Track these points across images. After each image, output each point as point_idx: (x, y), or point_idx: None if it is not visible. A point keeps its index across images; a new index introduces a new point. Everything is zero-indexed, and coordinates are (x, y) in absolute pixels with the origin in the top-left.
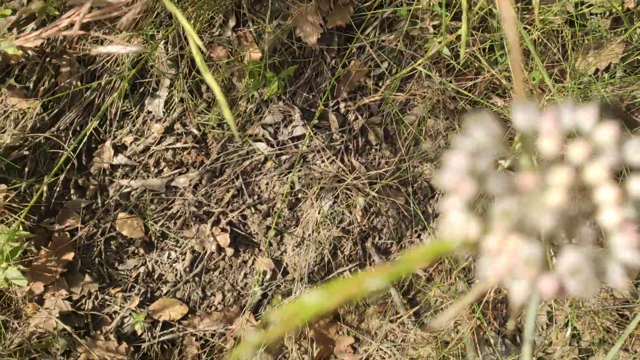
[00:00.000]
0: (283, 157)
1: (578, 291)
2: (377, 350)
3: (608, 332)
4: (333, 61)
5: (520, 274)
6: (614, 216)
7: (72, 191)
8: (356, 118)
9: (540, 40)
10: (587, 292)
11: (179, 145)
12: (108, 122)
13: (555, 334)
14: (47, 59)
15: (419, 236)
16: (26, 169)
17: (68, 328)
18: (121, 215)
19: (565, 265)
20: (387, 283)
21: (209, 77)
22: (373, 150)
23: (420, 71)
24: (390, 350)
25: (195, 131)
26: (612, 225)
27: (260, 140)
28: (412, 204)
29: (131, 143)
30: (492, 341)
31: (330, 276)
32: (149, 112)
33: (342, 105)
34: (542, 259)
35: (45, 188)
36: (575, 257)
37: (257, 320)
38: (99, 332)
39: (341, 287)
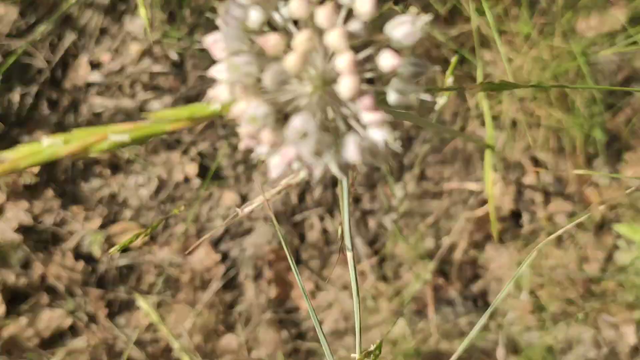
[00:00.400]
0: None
1: (306, 157)
2: (336, 299)
3: (571, 304)
4: None
5: (259, 138)
6: (349, 84)
7: (44, 105)
8: None
9: None
10: (312, 161)
11: (156, 69)
12: (86, 38)
13: (521, 303)
14: None
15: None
16: None
17: (23, 240)
18: None
19: (293, 129)
20: (133, 140)
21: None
22: None
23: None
24: (349, 299)
25: (174, 56)
26: (349, 94)
27: None
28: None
29: (108, 62)
30: (453, 299)
31: (294, 217)
32: (129, 32)
33: None
34: (270, 120)
35: (17, 97)
36: (303, 121)
37: (216, 253)
38: (57, 248)
39: (82, 135)
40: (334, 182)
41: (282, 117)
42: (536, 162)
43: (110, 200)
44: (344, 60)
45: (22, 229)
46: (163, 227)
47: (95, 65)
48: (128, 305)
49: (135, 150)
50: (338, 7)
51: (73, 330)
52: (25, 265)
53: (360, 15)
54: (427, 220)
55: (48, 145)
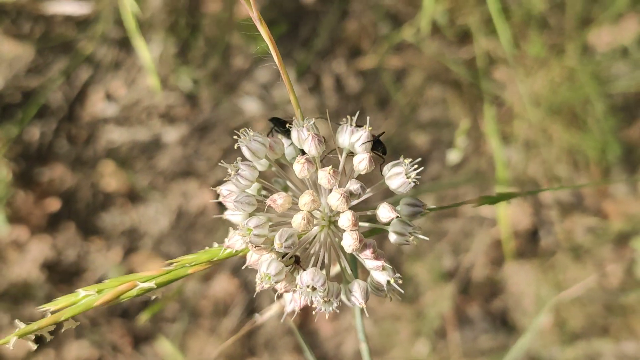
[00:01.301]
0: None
1: (318, 305)
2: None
3: (591, 319)
4: (328, 21)
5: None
6: (351, 240)
7: (63, 140)
8: (350, 82)
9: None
10: (323, 307)
11: (171, 99)
12: (102, 71)
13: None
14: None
15: None
16: (19, 115)
17: (48, 276)
18: (109, 168)
19: (303, 284)
20: (158, 285)
21: (139, 43)
22: (367, 117)
23: (417, 40)
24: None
25: (188, 85)
26: (352, 249)
27: (251, 96)
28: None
29: (124, 95)
30: (472, 318)
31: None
32: (143, 65)
33: (336, 67)
34: (282, 274)
35: (37, 134)
36: (311, 276)
37: (235, 278)
38: (80, 283)
39: (114, 284)
40: None
41: (292, 266)
42: (551, 179)
43: (130, 231)
44: (346, 219)
45: (46, 264)
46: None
47: (111, 98)
48: (153, 334)
49: (154, 180)
50: (336, 169)
51: None
52: (49, 299)
53: (359, 171)
54: (444, 240)
55: (84, 296)
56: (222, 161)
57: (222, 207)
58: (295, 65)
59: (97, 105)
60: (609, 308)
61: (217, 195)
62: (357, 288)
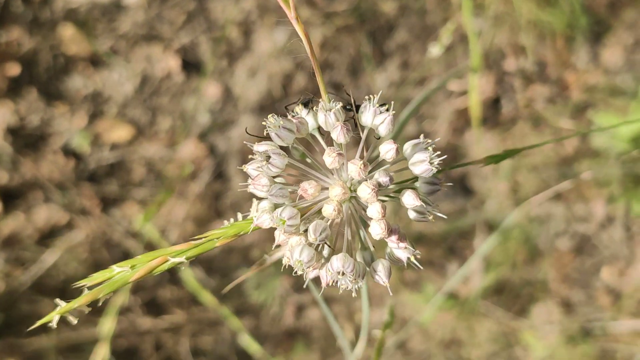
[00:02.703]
0: None
1: (345, 284)
2: None
3: (545, 185)
4: None
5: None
6: (378, 227)
7: (17, 1)
8: None
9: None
10: (351, 284)
11: None
12: None
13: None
14: None
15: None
16: None
17: (12, 141)
18: (69, 31)
19: (333, 270)
20: (188, 259)
21: None
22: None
23: None
24: None
25: None
26: (380, 236)
27: None
28: (368, 43)
29: None
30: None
31: (278, 103)
32: None
33: None
34: (311, 259)
35: None
36: (341, 263)
37: (202, 143)
38: (46, 147)
39: (146, 260)
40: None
41: (321, 251)
42: (517, 48)
43: (94, 96)
44: (375, 211)
45: (10, 130)
46: (149, 122)
47: None
48: (121, 199)
49: (116, 44)
50: (365, 161)
51: (71, 226)
52: (16, 165)
53: (386, 160)
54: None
55: (118, 272)
56: (248, 136)
57: (188, 70)
58: None
59: None
60: (563, 175)
61: (246, 176)
62: (382, 268)
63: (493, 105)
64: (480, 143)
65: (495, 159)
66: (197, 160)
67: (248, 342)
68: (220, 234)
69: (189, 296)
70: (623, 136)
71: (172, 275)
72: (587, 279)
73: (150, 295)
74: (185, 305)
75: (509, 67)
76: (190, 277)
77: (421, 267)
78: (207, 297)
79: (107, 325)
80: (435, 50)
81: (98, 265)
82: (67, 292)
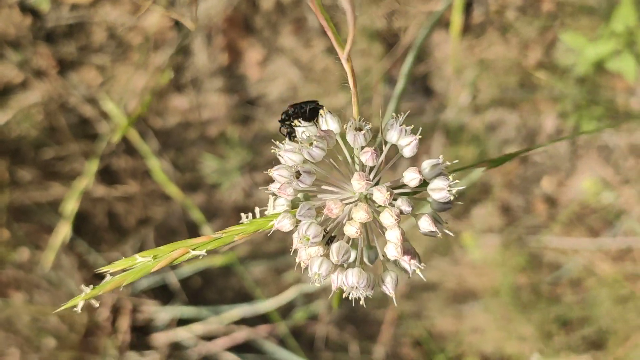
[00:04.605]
0: None
1: (358, 293)
2: (284, 72)
3: (505, 92)
4: None
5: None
6: (394, 251)
7: None
8: None
9: None
10: (363, 292)
11: None
12: None
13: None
14: None
15: None
16: None
17: None
18: None
19: (349, 282)
20: (208, 252)
21: None
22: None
23: None
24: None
25: None
26: (396, 257)
27: None
28: None
29: None
30: (396, 79)
31: None
32: None
33: None
34: (329, 272)
35: None
36: (355, 278)
37: (170, 17)
38: (0, 1)
39: (168, 251)
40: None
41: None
42: None
43: None
44: (394, 236)
45: None
46: None
47: None
48: (80, 63)
49: None
50: (392, 190)
51: (25, 86)
52: None
53: (408, 183)
54: (381, 4)
55: (140, 262)
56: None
57: None
58: None
59: None
60: (521, 84)
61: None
62: (390, 280)
63: (465, 9)
64: (457, 55)
65: (495, 162)
66: (161, 31)
67: (198, 217)
68: (240, 230)
69: (143, 167)
70: (588, 57)
71: (127, 145)
72: (527, 185)
73: (105, 164)
74: (139, 177)
75: None
76: (145, 148)
77: (424, 279)
78: (160, 175)
79: (71, 205)
80: None
81: (53, 129)
82: (21, 152)
